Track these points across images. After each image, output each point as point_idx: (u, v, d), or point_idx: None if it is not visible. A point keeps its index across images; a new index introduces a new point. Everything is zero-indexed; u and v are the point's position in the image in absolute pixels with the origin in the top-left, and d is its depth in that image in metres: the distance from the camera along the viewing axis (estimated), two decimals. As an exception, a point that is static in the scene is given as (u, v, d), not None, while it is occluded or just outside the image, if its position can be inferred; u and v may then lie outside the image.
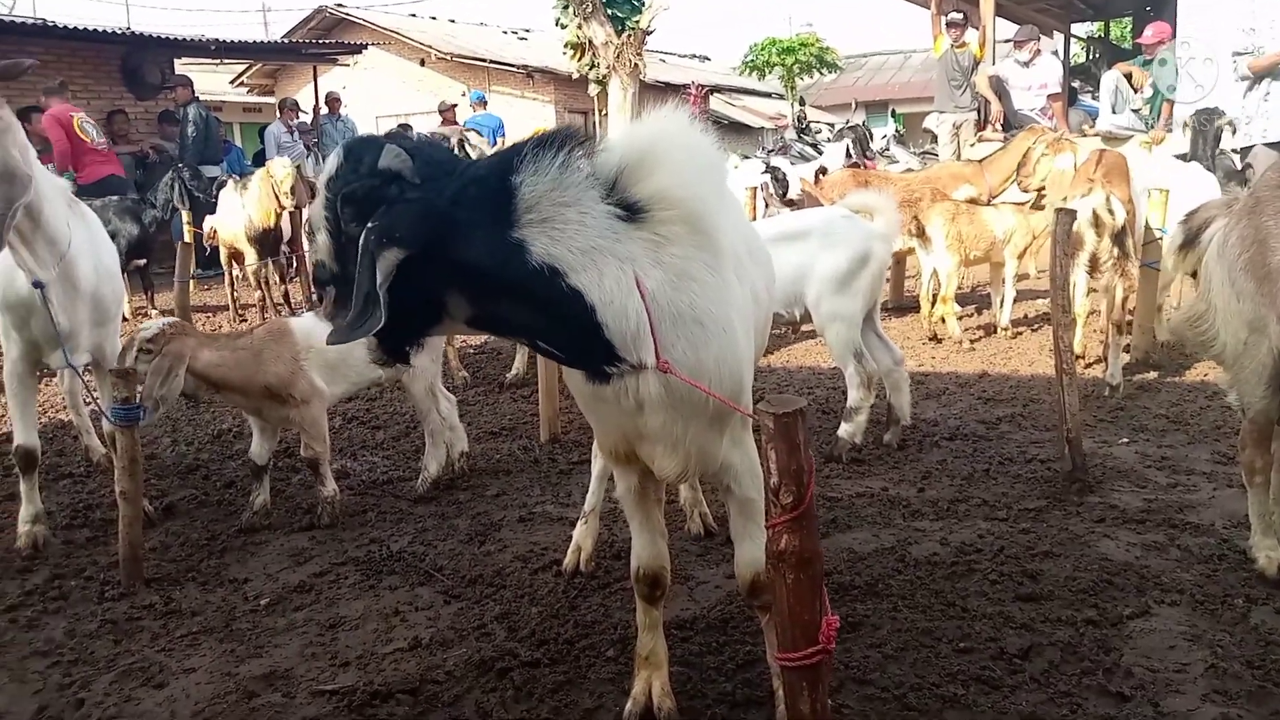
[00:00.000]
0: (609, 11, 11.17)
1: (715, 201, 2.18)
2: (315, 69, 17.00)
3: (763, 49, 28.24)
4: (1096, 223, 5.03)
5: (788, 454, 1.85)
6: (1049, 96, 10.28)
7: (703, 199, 2.10)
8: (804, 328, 6.36)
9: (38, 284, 3.41)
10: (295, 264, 8.92)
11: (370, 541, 3.64)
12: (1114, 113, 10.13)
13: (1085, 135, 8.14)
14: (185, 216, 7.94)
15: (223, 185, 8.86)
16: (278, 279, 8.56)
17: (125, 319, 6.97)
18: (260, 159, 12.90)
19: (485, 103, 14.69)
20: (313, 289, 4.90)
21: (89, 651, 2.91)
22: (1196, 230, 3.23)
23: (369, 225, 1.90)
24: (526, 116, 17.86)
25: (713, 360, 2.10)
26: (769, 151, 12.75)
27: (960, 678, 2.60)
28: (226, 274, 8.89)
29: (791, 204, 7.40)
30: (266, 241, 7.98)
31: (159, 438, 5.06)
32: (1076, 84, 14.02)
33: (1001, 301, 7.05)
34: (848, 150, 10.76)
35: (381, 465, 4.56)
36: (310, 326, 3.89)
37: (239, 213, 8.18)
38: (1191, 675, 2.60)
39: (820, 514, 3.70)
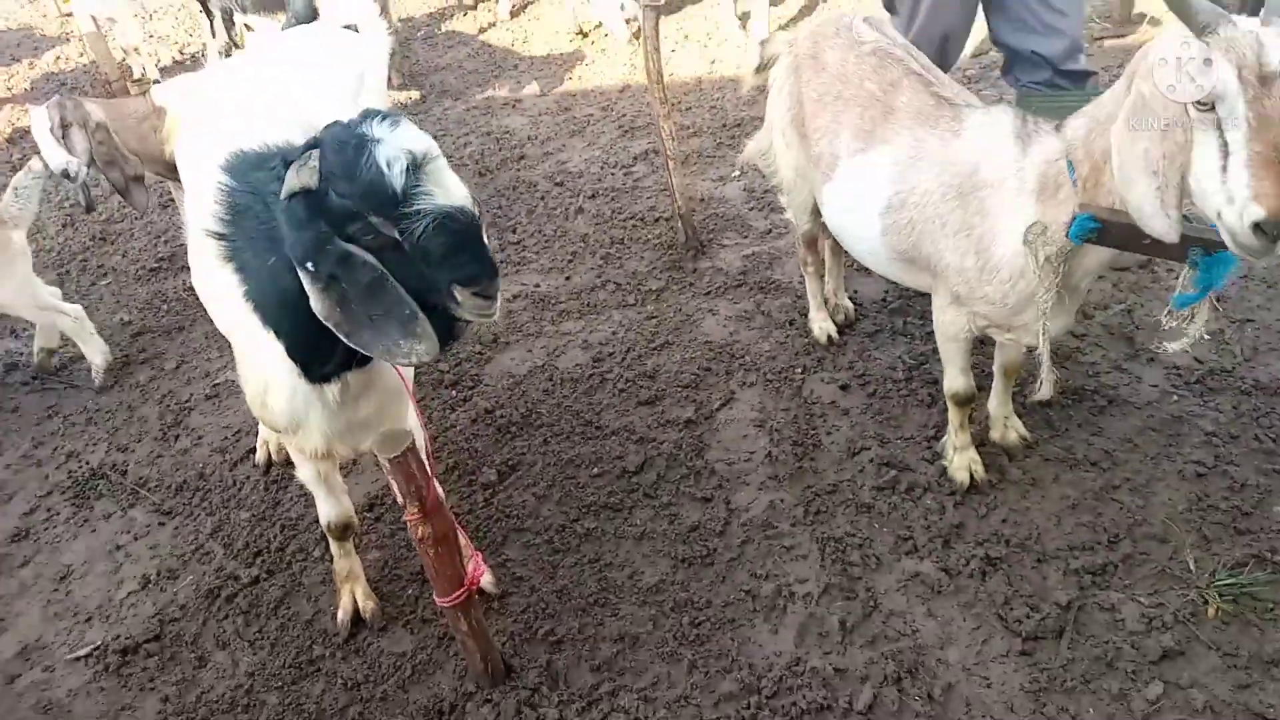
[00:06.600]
0: None
1: None
2: None
3: None
4: None
5: (406, 483, 2.39)
6: None
7: None
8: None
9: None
10: None
11: (67, 457, 3.84)
12: None
13: None
14: None
15: None
16: None
17: None
18: None
19: None
20: None
21: None
22: (767, 62, 3.60)
23: None
24: None
25: None
26: None
27: (594, 508, 3.22)
28: None
29: None
30: None
31: None
32: None
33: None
34: None
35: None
36: None
37: None
38: (754, 464, 3.27)
39: (480, 332, 4.17)
